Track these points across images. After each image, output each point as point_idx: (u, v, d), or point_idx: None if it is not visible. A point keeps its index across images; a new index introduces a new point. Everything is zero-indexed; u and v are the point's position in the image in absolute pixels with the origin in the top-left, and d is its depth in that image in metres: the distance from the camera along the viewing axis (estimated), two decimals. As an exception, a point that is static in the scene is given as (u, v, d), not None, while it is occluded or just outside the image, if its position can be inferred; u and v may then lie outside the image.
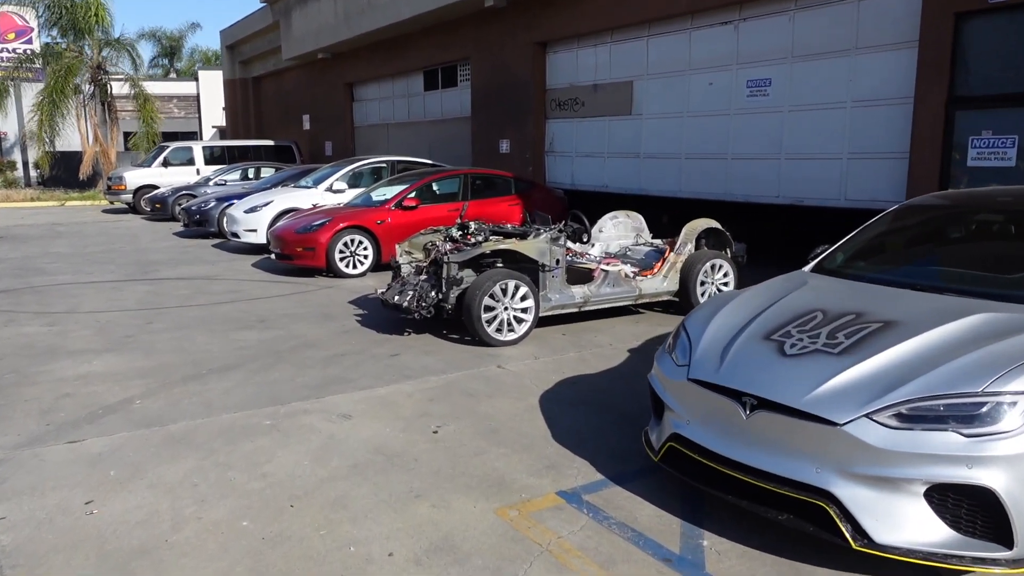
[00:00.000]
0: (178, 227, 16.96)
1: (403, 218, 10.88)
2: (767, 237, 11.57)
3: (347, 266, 10.63)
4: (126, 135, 37.67)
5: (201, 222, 15.47)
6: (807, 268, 4.92)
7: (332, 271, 10.56)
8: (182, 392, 5.64)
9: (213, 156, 22.95)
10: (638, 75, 12.85)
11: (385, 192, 11.74)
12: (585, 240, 7.73)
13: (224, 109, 33.87)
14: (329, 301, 9.00)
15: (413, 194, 11.11)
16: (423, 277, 7.28)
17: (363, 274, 10.73)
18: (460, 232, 7.67)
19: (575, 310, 7.45)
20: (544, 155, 15.13)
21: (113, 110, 28.74)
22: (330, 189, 13.28)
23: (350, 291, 9.63)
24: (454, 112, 18.12)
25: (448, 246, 7.32)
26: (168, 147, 22.79)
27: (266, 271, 11.26)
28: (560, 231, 7.27)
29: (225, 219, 13.86)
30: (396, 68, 19.87)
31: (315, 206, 12.54)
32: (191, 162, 22.47)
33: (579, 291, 7.37)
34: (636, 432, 4.70)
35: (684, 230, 8.01)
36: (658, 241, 9.11)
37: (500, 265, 7.11)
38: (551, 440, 4.64)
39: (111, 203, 23.26)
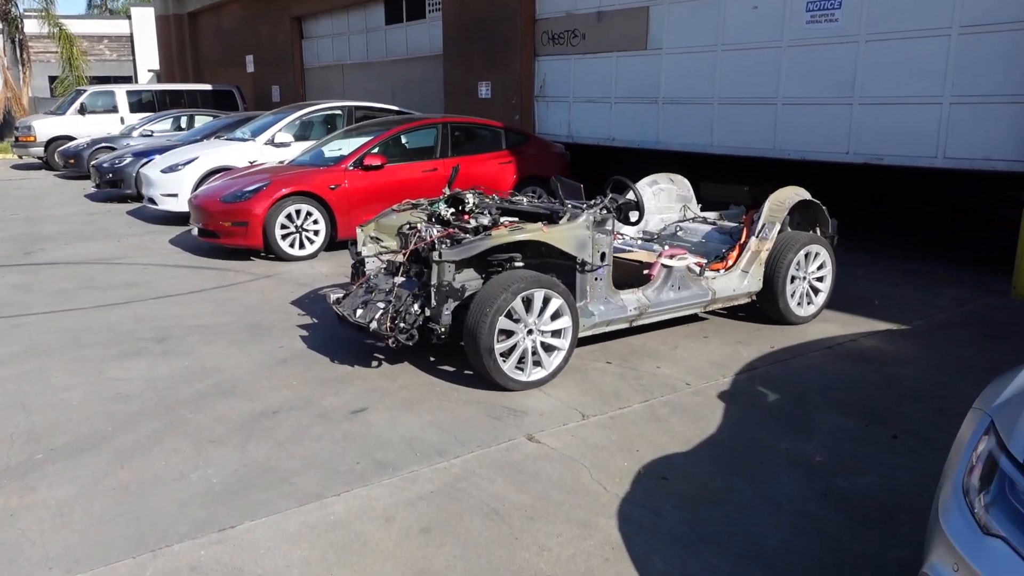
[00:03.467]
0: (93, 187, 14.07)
1: (364, 181, 8.34)
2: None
3: (291, 245, 8.08)
4: (52, 80, 33.94)
5: (115, 182, 12.67)
6: None
7: (272, 251, 8.02)
8: (-22, 516, 3.17)
9: (141, 103, 19.85)
10: None
11: (340, 146, 9.15)
12: (635, 220, 5.37)
13: (159, 50, 30.25)
14: (264, 301, 6.50)
15: (376, 149, 8.55)
16: (399, 280, 4.83)
17: (313, 255, 8.20)
18: (452, 209, 5.21)
19: (625, 326, 5.10)
20: (533, 101, 12.57)
21: (25, 49, 25.18)
22: (271, 142, 10.60)
23: (295, 283, 7.11)
24: (422, 50, 15.36)
25: (436, 231, 4.87)
26: (85, 91, 19.57)
27: (187, 250, 8.65)
28: (605, 209, 4.86)
29: (141, 180, 11.14)
30: (352, -2, 16.94)
31: (252, 164, 9.90)
32: (114, 109, 19.38)
33: (631, 299, 5.00)
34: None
35: (768, 205, 5.65)
36: (710, 215, 6.77)
37: (519, 264, 4.69)
38: (685, 667, 2.32)
39: (20, 157, 20.05)
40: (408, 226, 5.20)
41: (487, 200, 5.31)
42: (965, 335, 5.52)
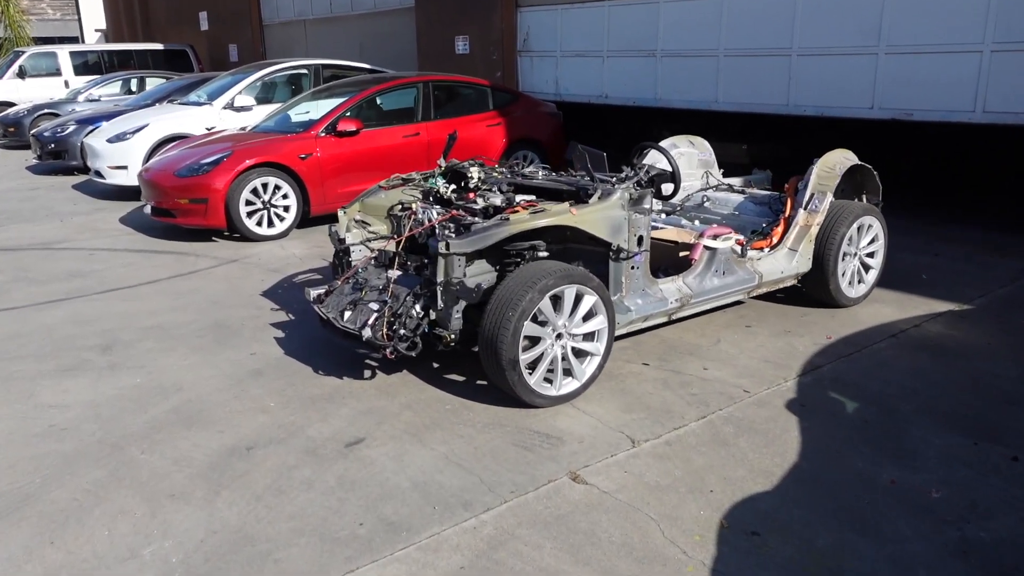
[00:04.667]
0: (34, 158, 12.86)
1: (338, 149, 7.41)
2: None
3: (259, 224, 7.15)
4: (-8, 41, 31.92)
5: (58, 153, 11.52)
6: None
7: (237, 231, 7.09)
8: None
9: (86, 65, 18.44)
10: (652, -59, 9.38)
11: (309, 110, 8.18)
12: (669, 194, 4.58)
13: (104, 7, 28.36)
14: (230, 292, 5.61)
15: (350, 113, 7.61)
16: (394, 274, 4.00)
17: (284, 234, 7.29)
18: (453, 186, 4.36)
19: (663, 320, 4.34)
20: (516, 56, 11.60)
21: (-43, 8, 23.35)
22: (231, 106, 9.56)
23: (264, 268, 6.23)
24: (391, 2, 14.21)
25: (435, 213, 4.04)
26: (24, 53, 18.08)
27: (139, 231, 7.68)
28: (639, 183, 4.04)
29: (86, 150, 10.04)
30: (312, -54, 15.66)
31: (210, 131, 8.89)
32: (57, 72, 17.98)
33: (671, 288, 4.23)
34: None
35: (816, 172, 4.88)
36: (735, 181, 6.01)
37: (543, 254, 3.88)
38: None
39: (-46, 126, 18.54)
40: (401, 207, 4.36)
41: (495, 174, 4.47)
42: (1038, 316, 4.86)
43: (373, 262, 4.25)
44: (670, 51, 9.37)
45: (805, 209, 4.80)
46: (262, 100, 9.80)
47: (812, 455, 3.22)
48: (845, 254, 4.89)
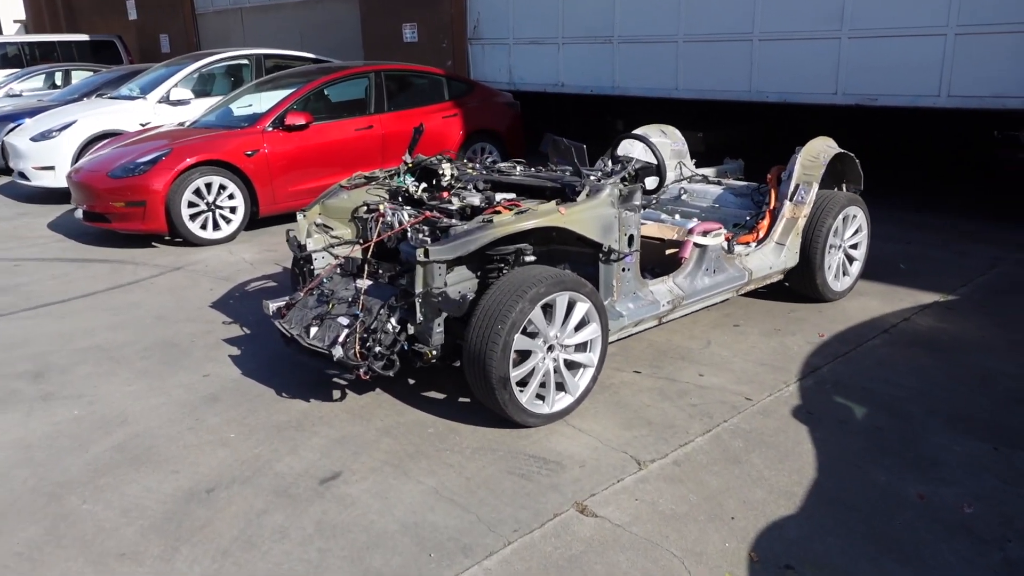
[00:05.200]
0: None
1: (287, 144, 6.95)
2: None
3: (203, 227, 6.66)
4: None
5: (-23, 154, 10.68)
6: None
7: (179, 235, 6.58)
8: None
9: (6, 58, 17.32)
10: (606, -77, 9.10)
11: (252, 103, 7.68)
12: (654, 188, 4.31)
13: (22, -3, 26.79)
14: (176, 305, 5.14)
15: (298, 105, 7.14)
16: (363, 284, 3.63)
17: (231, 237, 6.81)
18: (423, 184, 4.01)
19: (654, 324, 4.07)
20: (467, 44, 11.21)
21: None
22: (167, 100, 8.97)
23: (212, 276, 5.76)
24: (333, -12, 13.66)
25: (407, 215, 3.69)
26: (-66, 46, 16.88)
27: (71, 237, 7.09)
28: (625, 177, 3.75)
29: (8, 150, 9.30)
30: (246, -70, 14.93)
31: (145, 127, 8.30)
32: (-28, 66, 16.81)
33: (662, 290, 3.96)
34: None
35: (800, 161, 4.67)
36: (708, 171, 5.79)
37: (531, 259, 3.56)
38: None
39: None
40: (366, 208, 3.99)
41: (468, 170, 4.13)
42: (1024, 304, 4.77)
43: (339, 271, 3.87)
44: (628, 37, 9.11)
45: (791, 200, 4.59)
46: (200, 93, 9.22)
47: (831, 470, 2.99)
48: (831, 246, 4.71)
